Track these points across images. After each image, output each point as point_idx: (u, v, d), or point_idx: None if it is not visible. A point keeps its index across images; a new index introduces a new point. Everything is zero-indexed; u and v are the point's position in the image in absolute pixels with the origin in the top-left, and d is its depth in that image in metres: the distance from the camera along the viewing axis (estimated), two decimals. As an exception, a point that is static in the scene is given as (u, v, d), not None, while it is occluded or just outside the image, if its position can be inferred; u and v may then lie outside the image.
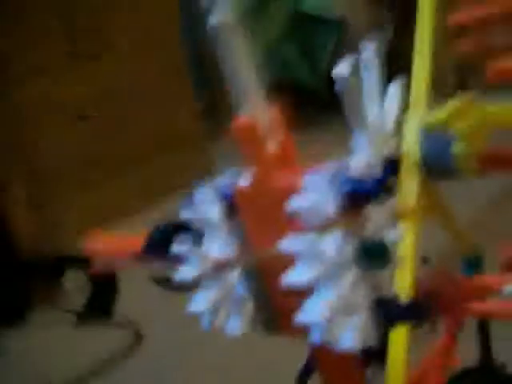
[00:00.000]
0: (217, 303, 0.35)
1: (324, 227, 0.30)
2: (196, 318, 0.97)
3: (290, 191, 0.31)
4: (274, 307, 0.35)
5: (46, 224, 1.52)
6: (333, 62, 0.38)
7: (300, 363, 0.47)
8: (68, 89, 1.61)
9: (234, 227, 0.35)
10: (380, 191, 0.31)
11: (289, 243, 0.30)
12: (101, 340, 1.15)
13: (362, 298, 0.31)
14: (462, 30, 0.43)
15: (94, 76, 1.66)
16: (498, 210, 1.33)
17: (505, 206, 1.34)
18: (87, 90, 1.64)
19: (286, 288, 0.31)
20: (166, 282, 0.36)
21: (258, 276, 0.35)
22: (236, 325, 0.36)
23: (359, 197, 0.31)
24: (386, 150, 0.45)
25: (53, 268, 1.34)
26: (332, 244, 0.30)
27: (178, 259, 0.36)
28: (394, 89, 0.49)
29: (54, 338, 1.18)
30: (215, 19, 0.32)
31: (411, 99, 0.48)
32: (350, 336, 0.30)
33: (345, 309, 0.30)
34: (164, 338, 1.11)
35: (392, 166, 0.45)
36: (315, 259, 0.29)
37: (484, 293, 0.41)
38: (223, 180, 0.36)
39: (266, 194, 0.33)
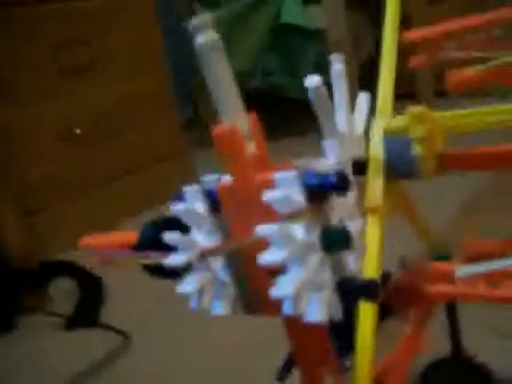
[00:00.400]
0: (202, 287, 0.40)
1: (293, 216, 0.35)
2: (184, 319, 0.98)
3: (265, 186, 0.36)
4: (253, 290, 0.40)
5: (34, 232, 1.54)
6: (314, 72, 0.43)
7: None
8: (55, 103, 1.65)
9: (218, 221, 0.40)
10: (342, 186, 0.35)
11: (263, 229, 0.34)
12: (88, 344, 1.16)
13: (327, 277, 0.36)
14: (412, 48, 0.48)
15: (81, 91, 1.71)
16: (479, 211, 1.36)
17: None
18: (74, 105, 1.69)
19: (262, 272, 0.36)
20: (157, 270, 0.41)
21: (239, 262, 0.39)
22: (219, 306, 0.40)
23: (322, 190, 0.35)
24: (355, 153, 0.50)
25: (39, 274, 1.35)
26: (300, 230, 0.35)
27: (170, 250, 0.40)
28: (363, 97, 0.53)
29: (41, 343, 1.20)
30: (200, 39, 0.37)
31: (377, 106, 0.53)
32: (317, 309, 0.35)
33: (312, 285, 0.35)
34: (152, 341, 1.12)
35: (360, 167, 0.49)
36: (286, 242, 0.34)
37: (440, 277, 0.46)
38: (208, 179, 0.41)
39: (245, 191, 0.37)
